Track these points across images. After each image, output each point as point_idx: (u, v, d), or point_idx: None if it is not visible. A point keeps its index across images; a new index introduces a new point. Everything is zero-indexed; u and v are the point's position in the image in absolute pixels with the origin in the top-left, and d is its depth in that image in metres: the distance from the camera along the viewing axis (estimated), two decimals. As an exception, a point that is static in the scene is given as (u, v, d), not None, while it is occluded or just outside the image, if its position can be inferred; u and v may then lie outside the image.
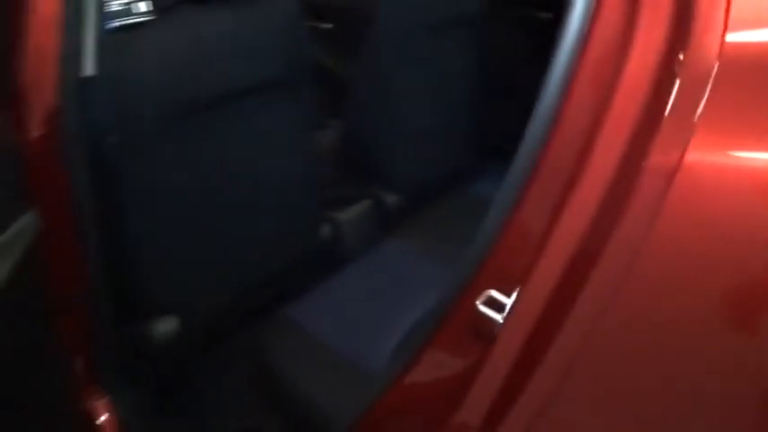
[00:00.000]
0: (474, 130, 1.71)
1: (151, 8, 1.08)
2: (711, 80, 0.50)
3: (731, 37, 0.53)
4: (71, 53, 0.95)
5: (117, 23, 1.08)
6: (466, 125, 1.69)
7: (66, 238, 0.99)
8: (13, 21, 0.88)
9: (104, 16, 1.03)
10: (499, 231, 0.63)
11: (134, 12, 1.09)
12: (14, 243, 0.83)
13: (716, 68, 0.51)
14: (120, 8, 1.18)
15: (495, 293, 0.62)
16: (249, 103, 1.22)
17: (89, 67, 0.98)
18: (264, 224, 1.32)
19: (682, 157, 0.50)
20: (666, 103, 0.51)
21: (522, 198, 0.60)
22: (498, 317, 0.60)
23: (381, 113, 1.51)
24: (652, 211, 0.50)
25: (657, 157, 0.51)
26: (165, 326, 1.16)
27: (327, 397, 1.07)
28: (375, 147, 1.55)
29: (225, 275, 1.27)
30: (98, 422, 1.11)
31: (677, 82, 0.52)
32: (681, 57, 0.52)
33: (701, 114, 0.51)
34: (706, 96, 0.50)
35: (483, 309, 0.61)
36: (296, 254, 1.41)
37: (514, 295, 0.59)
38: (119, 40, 1.05)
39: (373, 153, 1.56)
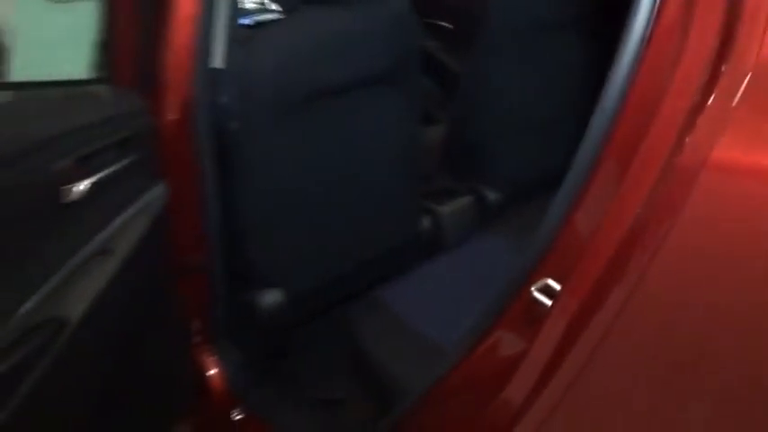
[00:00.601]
0: (579, 132, 1.70)
1: (279, 8, 1.20)
2: (744, 87, 0.52)
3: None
4: (204, 48, 1.08)
5: (248, 21, 1.20)
6: (571, 126, 1.68)
7: (190, 210, 1.13)
8: (157, 20, 1.03)
9: (237, 14, 1.17)
10: (560, 225, 0.67)
11: (266, 10, 1.22)
12: (145, 212, 0.97)
13: (749, 77, 0.53)
14: (253, 7, 1.32)
15: (550, 281, 0.66)
16: (359, 96, 1.31)
17: (218, 61, 1.11)
18: (367, 211, 1.41)
19: (710, 155, 0.52)
20: (704, 105, 0.54)
21: (578, 196, 0.64)
22: (548, 302, 0.64)
23: (485, 112, 1.55)
24: (682, 206, 0.53)
25: (689, 155, 0.54)
26: (271, 297, 1.28)
27: (408, 375, 1.13)
28: (478, 144, 1.59)
29: (327, 257, 1.37)
30: (208, 375, 1.25)
31: (716, 88, 0.54)
32: (723, 67, 0.54)
33: (733, 117, 0.53)
34: (737, 101, 0.52)
35: (537, 294, 0.66)
36: (395, 242, 1.48)
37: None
38: (247, 35, 1.18)
39: (476, 150, 1.60)
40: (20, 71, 0.81)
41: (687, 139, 0.54)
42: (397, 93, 1.37)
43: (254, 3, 1.45)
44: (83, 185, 0.86)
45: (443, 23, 2.13)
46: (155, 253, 1.02)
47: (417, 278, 1.37)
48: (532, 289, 0.66)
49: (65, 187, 0.84)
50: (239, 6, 1.24)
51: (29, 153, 0.80)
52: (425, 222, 1.53)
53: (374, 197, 1.42)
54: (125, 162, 0.93)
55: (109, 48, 0.95)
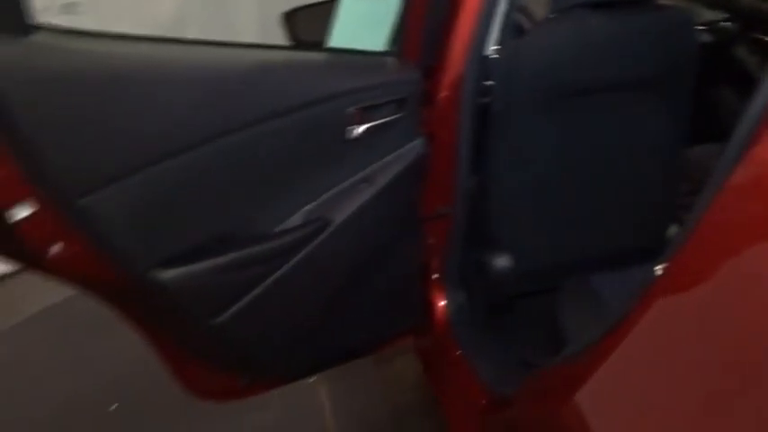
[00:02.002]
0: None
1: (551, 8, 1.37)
2: None
3: None
4: (481, 36, 1.30)
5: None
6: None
7: (446, 165, 1.37)
8: (447, 9, 1.28)
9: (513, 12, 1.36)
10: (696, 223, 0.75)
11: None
12: (404, 158, 1.25)
13: None
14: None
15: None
16: (621, 99, 1.40)
17: (489, 48, 1.32)
18: (609, 209, 1.49)
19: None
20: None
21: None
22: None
23: None
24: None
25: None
26: (501, 262, 1.45)
27: None
28: None
29: (561, 241, 1.50)
30: (435, 308, 1.50)
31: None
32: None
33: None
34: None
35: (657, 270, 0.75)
36: (638, 244, 1.53)
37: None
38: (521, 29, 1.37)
39: None
40: (334, 39, 1.14)
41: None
42: (663, 101, 1.41)
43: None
44: (361, 129, 1.17)
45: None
46: (405, 192, 1.30)
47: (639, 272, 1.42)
48: (656, 268, 0.75)
49: (349, 128, 1.15)
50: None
51: (330, 99, 1.13)
52: (673, 232, 1.55)
53: (620, 198, 1.49)
54: (396, 117, 1.21)
55: (402, 28, 1.23)
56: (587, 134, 1.43)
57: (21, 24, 0.80)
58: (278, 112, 1.07)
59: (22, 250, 0.92)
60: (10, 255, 1.02)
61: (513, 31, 1.39)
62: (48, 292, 2.54)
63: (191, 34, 1.00)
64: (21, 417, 2.04)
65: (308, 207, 1.17)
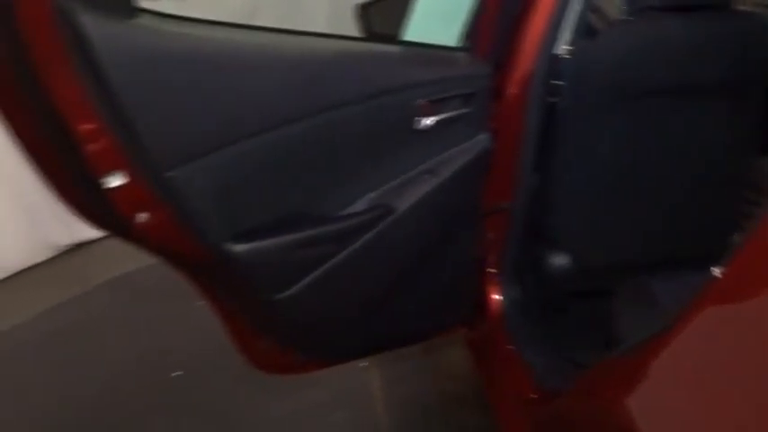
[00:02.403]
0: None
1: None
2: None
3: None
4: (552, 36, 1.32)
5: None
6: None
7: (509, 161, 1.39)
8: (520, 9, 1.31)
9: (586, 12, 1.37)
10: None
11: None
12: (468, 152, 1.28)
13: None
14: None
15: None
16: (690, 103, 1.39)
17: (560, 47, 1.33)
18: (672, 213, 1.48)
19: None
20: None
21: None
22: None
23: None
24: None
25: None
26: (559, 260, 1.46)
27: None
28: None
29: (623, 242, 1.50)
30: (490, 300, 1.53)
31: None
32: None
33: None
34: None
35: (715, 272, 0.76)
36: (698, 250, 1.51)
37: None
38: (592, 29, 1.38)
39: None
40: (408, 33, 1.18)
41: None
42: (734, 108, 1.39)
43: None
44: (429, 120, 1.20)
45: None
46: (468, 185, 1.33)
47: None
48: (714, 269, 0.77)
49: (417, 119, 1.19)
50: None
51: (401, 90, 1.17)
52: (736, 239, 1.52)
53: (684, 202, 1.48)
54: (463, 111, 1.24)
55: (475, 25, 1.26)
56: (654, 136, 1.43)
57: (126, 7, 0.87)
58: (351, 99, 1.12)
59: (111, 217, 1.00)
60: (99, 222, 1.10)
61: (585, 31, 1.40)
62: (121, 262, 2.69)
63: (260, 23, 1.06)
64: (87, 376, 2.17)
65: (372, 194, 1.21)
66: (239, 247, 1.06)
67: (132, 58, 0.87)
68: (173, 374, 2.12)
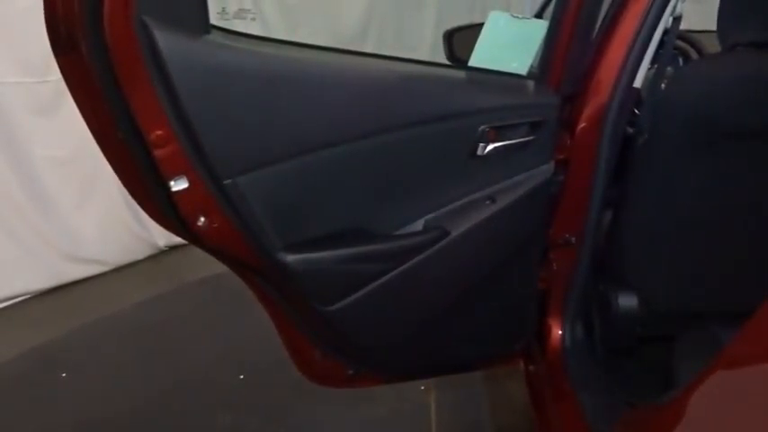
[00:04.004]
0: None
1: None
2: None
3: None
4: (632, 68, 1.28)
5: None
6: None
7: (579, 194, 1.36)
8: (595, 41, 1.28)
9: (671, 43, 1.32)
10: None
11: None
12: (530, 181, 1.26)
13: None
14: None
15: None
16: None
17: (639, 81, 1.29)
18: (755, 264, 1.37)
19: None
20: None
21: None
22: None
23: None
24: None
25: None
26: (626, 301, 1.39)
27: None
28: None
29: (694, 288, 1.41)
30: (550, 336, 1.48)
31: None
32: None
33: None
34: None
35: None
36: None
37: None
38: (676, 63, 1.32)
39: None
40: (478, 60, 1.19)
41: None
42: None
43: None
44: (492, 146, 1.20)
45: None
46: (528, 214, 1.31)
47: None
48: None
49: (481, 144, 1.19)
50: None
51: (467, 115, 1.18)
52: None
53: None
54: (528, 139, 1.23)
55: (547, 54, 1.25)
56: (740, 181, 1.34)
57: (201, 24, 0.94)
58: (416, 121, 1.15)
59: (176, 220, 1.07)
60: (167, 225, 1.18)
61: (669, 62, 1.35)
62: (213, 263, 2.83)
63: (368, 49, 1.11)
64: (159, 375, 2.30)
65: (430, 216, 1.22)
66: (292, 257, 1.10)
67: (201, 70, 0.94)
68: (238, 378, 2.20)
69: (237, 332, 2.46)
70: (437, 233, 1.20)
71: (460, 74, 1.24)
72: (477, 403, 2.03)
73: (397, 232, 1.20)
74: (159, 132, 0.96)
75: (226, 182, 1.01)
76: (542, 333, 1.50)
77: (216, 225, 1.05)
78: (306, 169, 1.08)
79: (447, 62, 1.12)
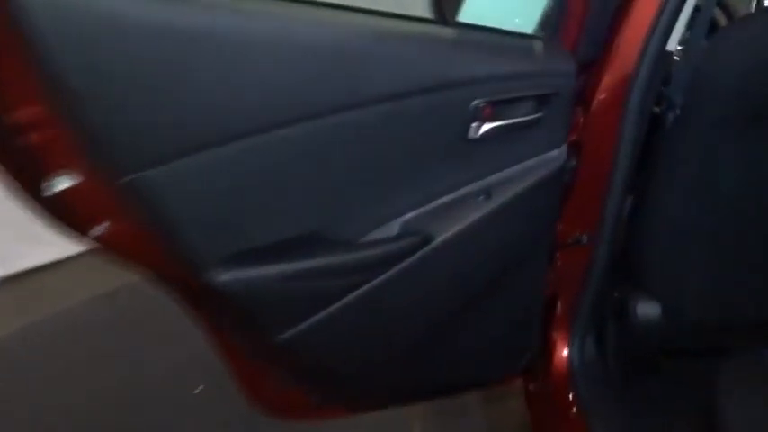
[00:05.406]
0: None
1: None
2: None
3: None
4: (664, 27, 1.02)
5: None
6: None
7: (594, 183, 1.11)
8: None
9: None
10: None
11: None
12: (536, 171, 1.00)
13: None
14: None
15: None
16: None
17: (673, 43, 1.03)
18: None
19: None
20: None
21: None
22: None
23: None
24: None
25: None
26: (648, 309, 1.17)
27: None
28: None
29: (732, 295, 1.19)
30: (556, 352, 1.24)
31: None
32: None
33: None
34: None
35: None
36: None
37: None
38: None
39: None
40: (471, 13, 0.91)
41: None
42: None
43: None
44: (489, 127, 0.93)
45: None
46: (534, 213, 1.05)
47: None
48: None
49: (474, 124, 0.92)
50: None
51: (455, 86, 0.90)
52: None
53: None
54: (535, 117, 0.97)
55: (560, 8, 0.98)
56: None
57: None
58: (390, 94, 0.86)
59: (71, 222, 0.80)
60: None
61: (706, 27, 1.10)
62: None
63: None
64: (106, 392, 2.04)
65: (408, 216, 0.95)
66: (227, 275, 0.83)
67: (78, 22, 0.66)
68: (195, 391, 1.97)
69: (189, 341, 2.19)
70: (417, 239, 0.94)
71: (448, 32, 0.94)
72: (470, 430, 1.77)
73: (366, 239, 0.93)
74: (30, 110, 0.69)
75: (127, 178, 0.73)
76: (546, 347, 1.26)
77: (119, 234, 0.78)
78: (242, 158, 0.79)
79: (430, 16, 0.83)
